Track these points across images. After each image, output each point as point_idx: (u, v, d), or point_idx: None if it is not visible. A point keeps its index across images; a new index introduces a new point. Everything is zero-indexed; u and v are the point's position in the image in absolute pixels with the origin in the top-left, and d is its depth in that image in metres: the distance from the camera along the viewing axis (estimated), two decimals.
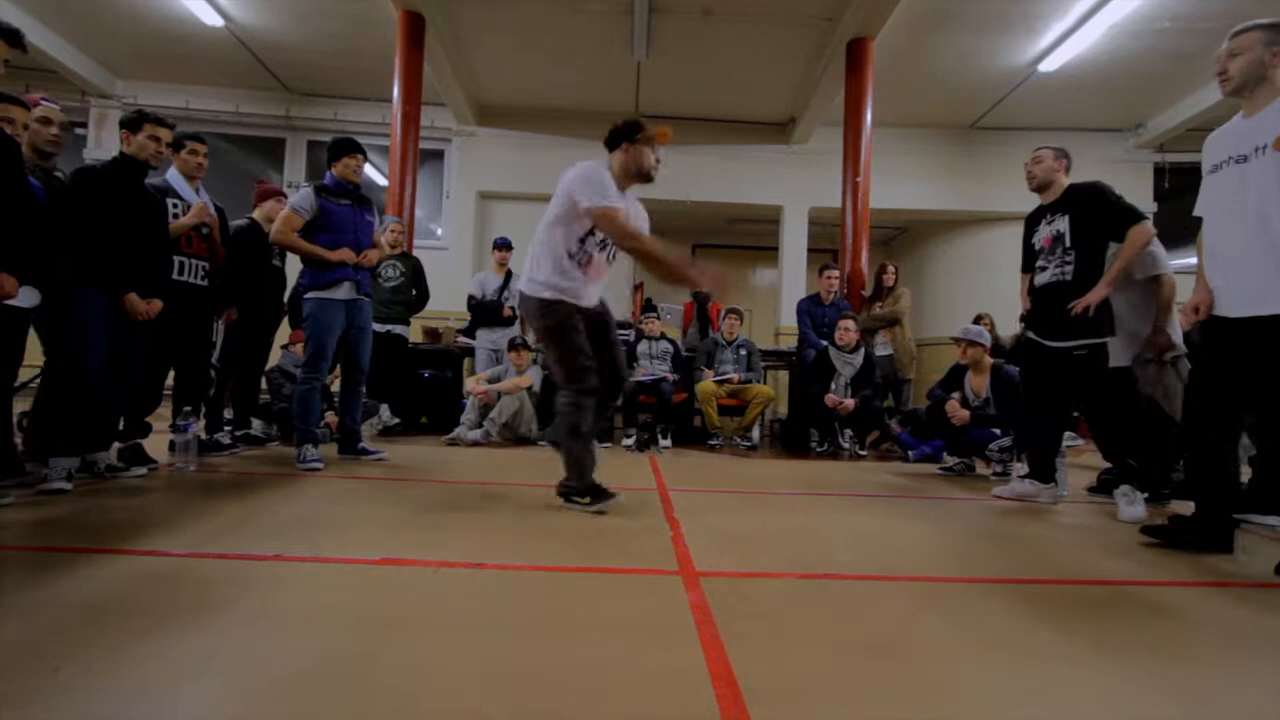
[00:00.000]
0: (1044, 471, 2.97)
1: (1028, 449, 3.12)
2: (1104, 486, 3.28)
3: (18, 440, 2.75)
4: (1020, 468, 3.21)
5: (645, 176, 2.49)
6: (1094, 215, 2.79)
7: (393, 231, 4.97)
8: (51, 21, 6.29)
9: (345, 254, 3.35)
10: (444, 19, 5.95)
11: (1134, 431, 2.85)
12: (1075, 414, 5.27)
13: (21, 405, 2.98)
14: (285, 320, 4.41)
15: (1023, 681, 1.20)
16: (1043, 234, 2.95)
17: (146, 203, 2.87)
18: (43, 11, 6.11)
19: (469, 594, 1.56)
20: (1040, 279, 2.94)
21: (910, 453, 4.51)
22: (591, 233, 2.44)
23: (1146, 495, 2.79)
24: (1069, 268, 2.82)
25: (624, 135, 2.47)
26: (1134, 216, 2.74)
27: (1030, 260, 3.06)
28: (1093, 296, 2.70)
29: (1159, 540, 2.19)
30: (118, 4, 5.95)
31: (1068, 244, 2.82)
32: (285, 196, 4.01)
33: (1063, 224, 2.85)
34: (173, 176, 3.26)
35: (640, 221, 2.53)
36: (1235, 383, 2.10)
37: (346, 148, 3.45)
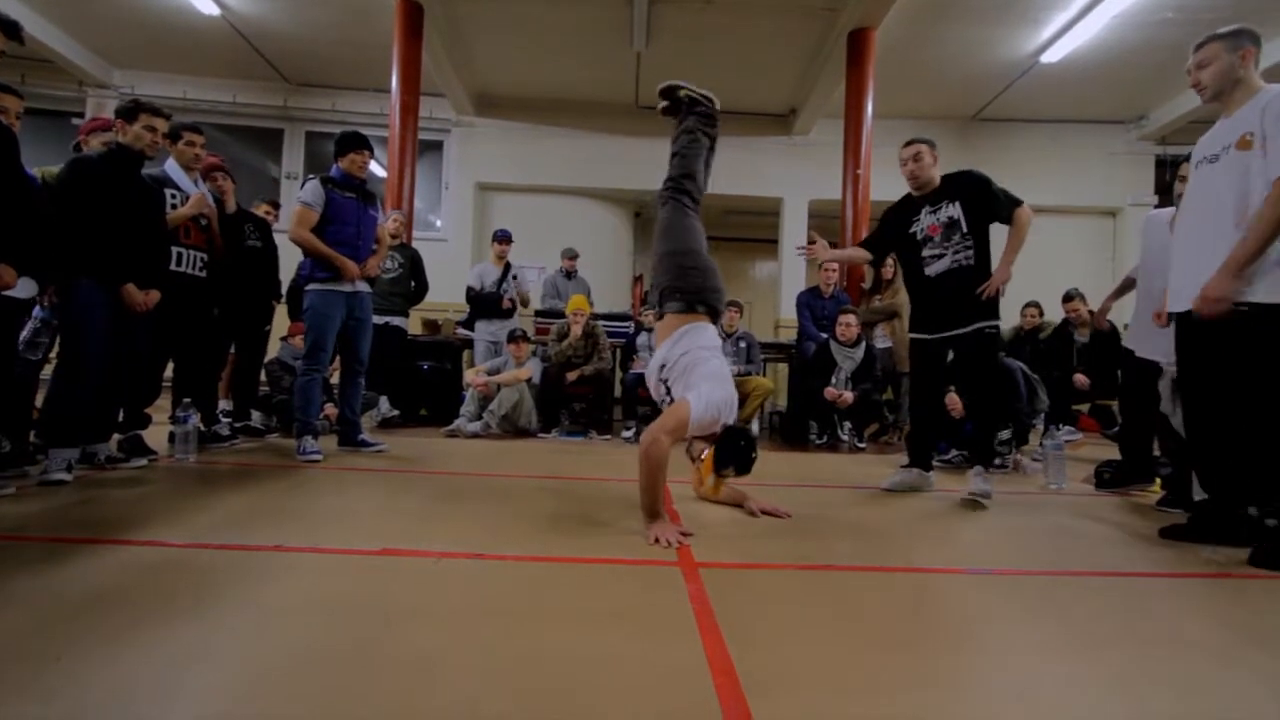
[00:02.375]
0: (923, 458, 3.04)
1: (913, 437, 3.17)
2: (1100, 478, 3.28)
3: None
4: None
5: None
6: (982, 201, 2.83)
7: (395, 222, 4.96)
8: (48, 11, 6.24)
9: (352, 269, 3.37)
10: (442, 9, 5.91)
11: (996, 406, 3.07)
12: (1075, 408, 5.30)
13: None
14: (285, 311, 4.40)
15: (1023, 673, 1.21)
16: (927, 223, 2.94)
17: (143, 193, 2.85)
18: (40, 1, 6.05)
19: (469, 585, 1.56)
20: (936, 267, 2.92)
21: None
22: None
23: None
24: (970, 253, 2.84)
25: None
26: (1015, 200, 2.82)
27: (883, 246, 3.18)
28: (1001, 277, 2.77)
29: (1179, 539, 2.18)
30: None
31: (965, 229, 2.84)
32: (224, 168, 3.78)
33: (954, 210, 2.86)
34: (170, 167, 3.25)
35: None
36: (1211, 375, 2.12)
37: (353, 143, 3.45)
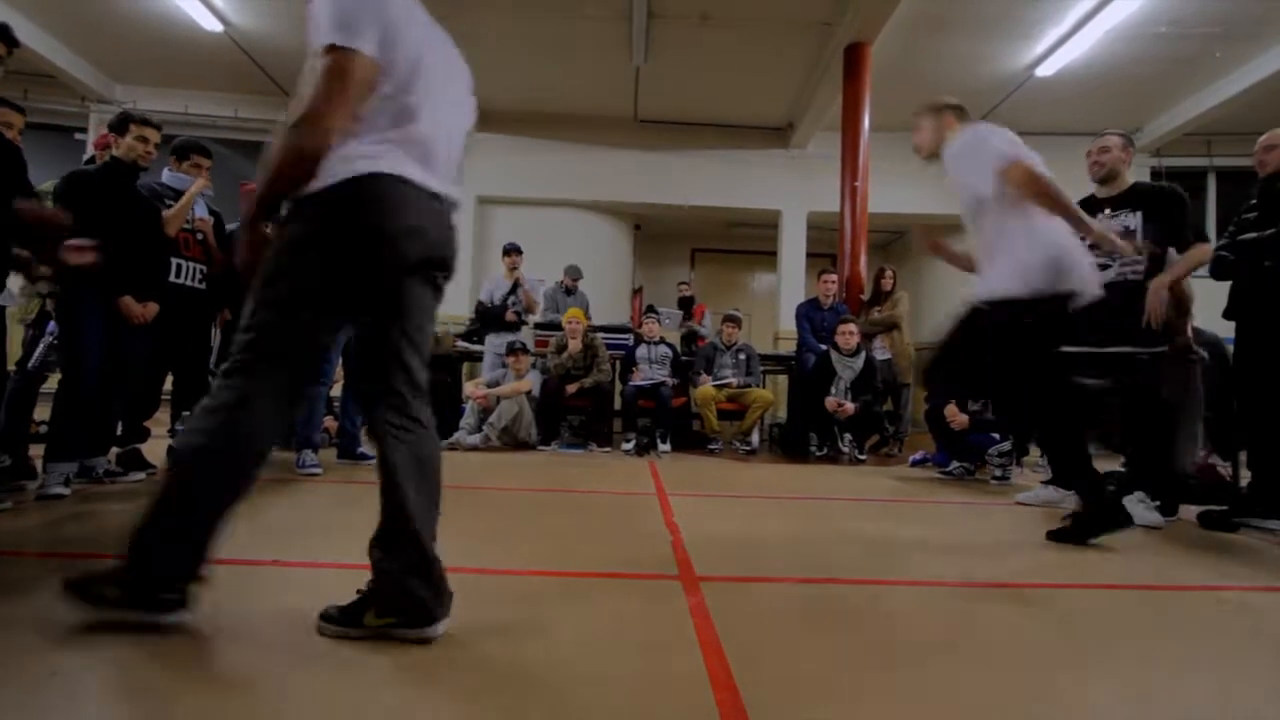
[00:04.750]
0: (1071, 478, 2.79)
1: (1052, 457, 2.89)
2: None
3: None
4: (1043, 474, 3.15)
5: None
6: (1168, 220, 2.64)
7: None
8: (51, 26, 6.29)
9: None
10: (443, 24, 5.96)
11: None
12: None
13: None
14: None
15: (1025, 687, 1.20)
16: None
17: (140, 206, 2.85)
18: (42, 16, 6.11)
19: (468, 599, 1.55)
20: (1103, 275, 2.61)
21: (912, 457, 4.52)
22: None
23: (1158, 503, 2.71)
24: (1139, 267, 2.64)
25: None
26: (1202, 235, 2.70)
27: None
28: (1155, 301, 2.58)
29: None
30: (117, 9, 5.96)
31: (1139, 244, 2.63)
32: None
33: (1133, 221, 2.67)
34: (168, 177, 3.25)
35: None
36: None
37: None
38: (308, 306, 1.23)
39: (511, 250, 5.56)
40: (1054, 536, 2.28)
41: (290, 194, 1.22)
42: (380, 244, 1.23)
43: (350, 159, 1.20)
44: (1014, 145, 2.20)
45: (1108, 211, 2.75)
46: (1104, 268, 2.69)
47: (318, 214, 1.22)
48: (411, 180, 1.25)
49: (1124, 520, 2.20)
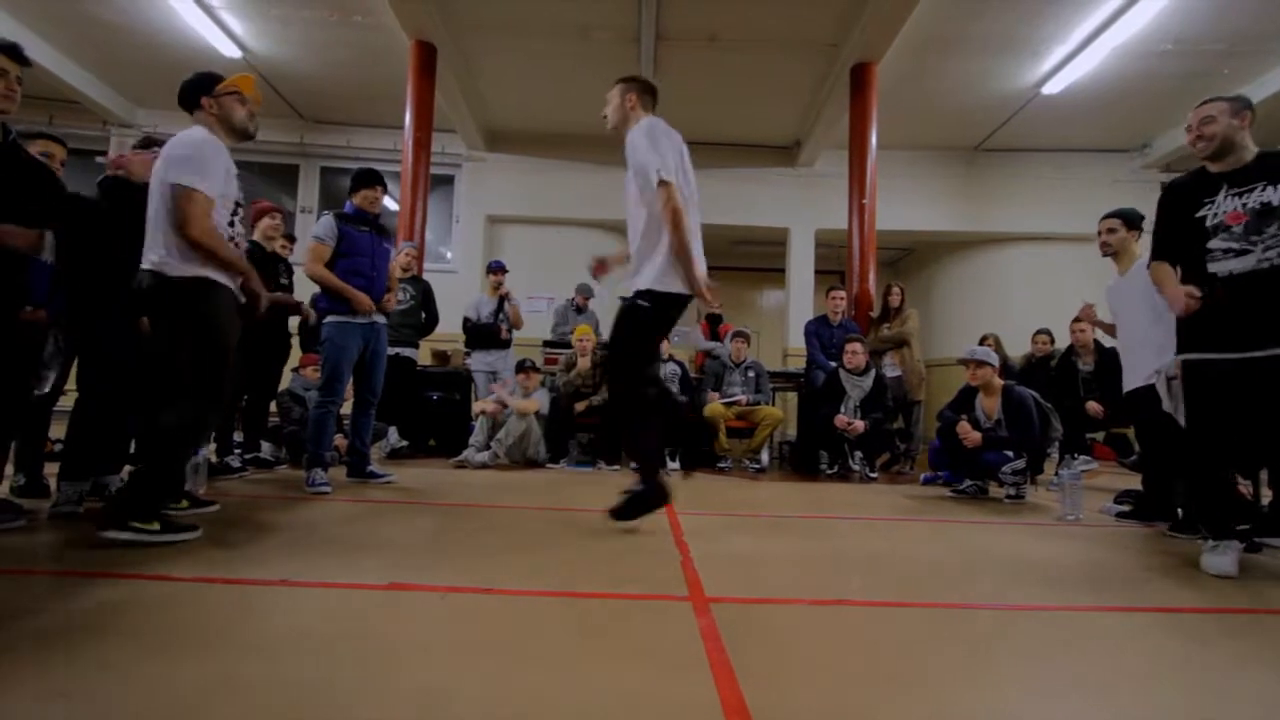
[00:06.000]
0: (1221, 527, 2.24)
1: (1198, 504, 2.46)
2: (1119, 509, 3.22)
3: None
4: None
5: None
6: None
7: (406, 255, 5.03)
8: (73, 52, 6.47)
9: (364, 302, 3.41)
10: (455, 48, 6.08)
11: None
12: (1089, 436, 5.23)
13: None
14: (296, 342, 4.44)
15: (1047, 714, 1.17)
16: (1228, 207, 2.27)
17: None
18: (65, 42, 6.29)
19: (477, 619, 1.54)
20: (1231, 265, 2.22)
21: (923, 475, 4.48)
22: None
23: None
24: None
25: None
26: None
27: (1175, 244, 2.40)
28: None
29: None
30: (137, 37, 6.13)
31: None
32: (279, 213, 4.05)
33: (1273, 195, 2.20)
34: None
35: None
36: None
37: (366, 180, 3.54)
38: None
39: (496, 269, 5.59)
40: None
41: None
42: None
43: None
44: (665, 157, 2.51)
45: (1229, 190, 2.29)
46: (1242, 253, 2.22)
47: None
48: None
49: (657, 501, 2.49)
